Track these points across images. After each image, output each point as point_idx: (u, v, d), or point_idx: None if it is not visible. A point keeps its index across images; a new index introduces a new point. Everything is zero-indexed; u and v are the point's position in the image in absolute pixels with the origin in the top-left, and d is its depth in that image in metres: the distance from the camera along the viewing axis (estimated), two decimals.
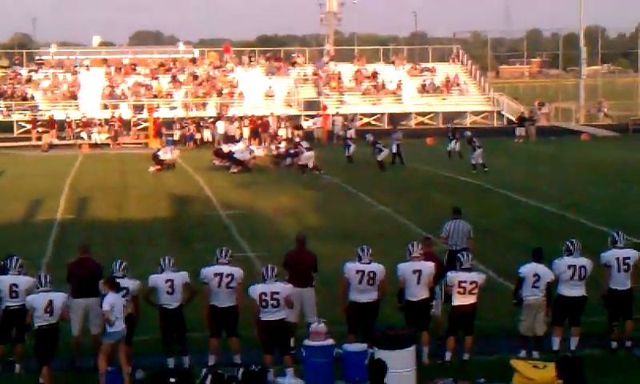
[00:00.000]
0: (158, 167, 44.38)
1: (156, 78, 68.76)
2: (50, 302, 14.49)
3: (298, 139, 46.88)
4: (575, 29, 77.99)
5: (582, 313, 15.54)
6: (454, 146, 47.14)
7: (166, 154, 45.85)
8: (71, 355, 15.37)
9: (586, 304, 15.56)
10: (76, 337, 15.45)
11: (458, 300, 15.09)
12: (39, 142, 58.24)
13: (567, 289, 15.37)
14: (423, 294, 15.26)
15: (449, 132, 49.86)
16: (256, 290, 14.47)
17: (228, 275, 15.03)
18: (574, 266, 15.34)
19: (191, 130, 59.40)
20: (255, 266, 20.93)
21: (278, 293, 14.41)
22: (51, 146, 57.68)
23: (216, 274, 15.04)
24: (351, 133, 53.17)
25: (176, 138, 59.14)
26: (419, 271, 15.23)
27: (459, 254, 15.79)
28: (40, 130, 59.86)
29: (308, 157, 42.84)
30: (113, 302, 14.18)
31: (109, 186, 38.63)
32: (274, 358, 14.59)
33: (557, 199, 32.71)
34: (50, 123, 60.05)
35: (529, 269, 15.39)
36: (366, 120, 66.76)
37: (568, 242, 15.64)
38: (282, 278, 15.15)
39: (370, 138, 45.44)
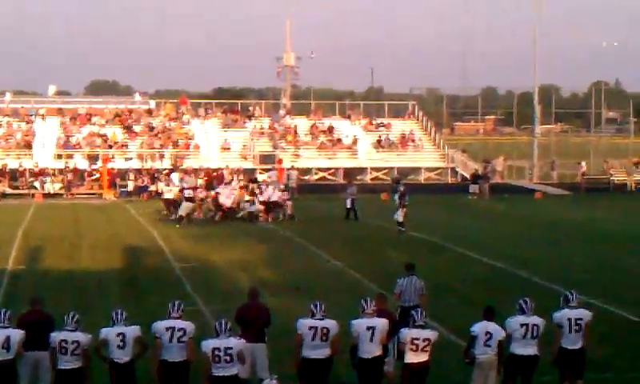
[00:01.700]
0: (221, 213, 44.95)
1: (128, 127, 68.58)
2: (7, 338, 14.60)
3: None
4: (530, 87, 78.93)
5: (534, 372, 15.55)
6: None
7: (228, 199, 45.94)
8: None
9: (538, 363, 15.59)
10: None
11: (411, 357, 15.03)
12: None
13: (520, 347, 15.38)
14: (376, 351, 15.20)
15: (394, 183, 49.70)
16: (209, 344, 14.33)
17: (180, 330, 14.87)
18: (527, 324, 15.37)
19: (145, 182, 59.37)
20: (207, 320, 20.79)
21: (231, 348, 14.29)
22: (4, 195, 57.26)
23: (167, 328, 14.86)
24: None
25: (130, 188, 59.19)
26: (373, 328, 15.18)
27: (412, 311, 15.77)
28: None
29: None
30: None
31: (62, 236, 38.35)
32: None
33: (509, 257, 32.90)
34: (3, 172, 59.67)
35: (481, 327, 15.38)
36: (321, 174, 66.99)
37: (521, 301, 15.66)
38: (234, 332, 15.06)
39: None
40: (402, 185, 45.24)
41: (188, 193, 45.33)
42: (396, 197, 41.51)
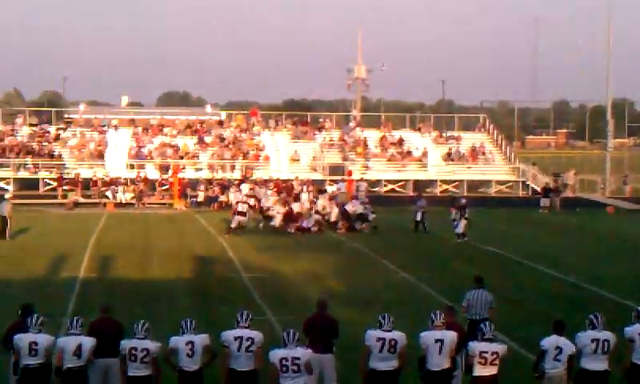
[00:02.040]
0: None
1: (200, 138, 69.11)
2: (79, 345, 14.87)
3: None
4: (602, 101, 78.04)
5: None
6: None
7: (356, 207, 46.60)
8: None
9: (608, 378, 15.40)
10: None
11: (479, 371, 14.93)
12: (65, 200, 58.56)
13: (590, 362, 15.21)
14: (445, 363, 15.13)
15: (455, 199, 49.46)
16: (276, 354, 14.38)
17: (248, 339, 14.94)
18: (598, 339, 15.20)
19: (216, 192, 59.74)
20: (275, 330, 20.85)
21: (298, 358, 14.31)
22: (76, 204, 58.00)
23: (236, 338, 14.94)
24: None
25: (201, 199, 59.58)
26: (441, 340, 15.11)
27: (481, 324, 15.66)
28: (66, 187, 60.27)
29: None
30: None
31: (132, 245, 38.72)
32: None
33: (580, 271, 32.52)
34: (76, 181, 60.44)
35: (551, 341, 15.24)
36: (391, 186, 66.83)
37: (592, 316, 15.50)
38: (302, 342, 15.07)
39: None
40: (463, 198, 45.72)
41: (242, 206, 45.31)
42: (454, 211, 42.78)
